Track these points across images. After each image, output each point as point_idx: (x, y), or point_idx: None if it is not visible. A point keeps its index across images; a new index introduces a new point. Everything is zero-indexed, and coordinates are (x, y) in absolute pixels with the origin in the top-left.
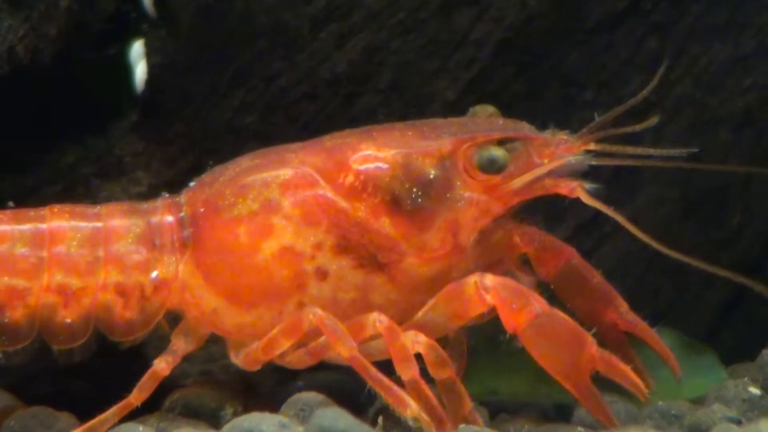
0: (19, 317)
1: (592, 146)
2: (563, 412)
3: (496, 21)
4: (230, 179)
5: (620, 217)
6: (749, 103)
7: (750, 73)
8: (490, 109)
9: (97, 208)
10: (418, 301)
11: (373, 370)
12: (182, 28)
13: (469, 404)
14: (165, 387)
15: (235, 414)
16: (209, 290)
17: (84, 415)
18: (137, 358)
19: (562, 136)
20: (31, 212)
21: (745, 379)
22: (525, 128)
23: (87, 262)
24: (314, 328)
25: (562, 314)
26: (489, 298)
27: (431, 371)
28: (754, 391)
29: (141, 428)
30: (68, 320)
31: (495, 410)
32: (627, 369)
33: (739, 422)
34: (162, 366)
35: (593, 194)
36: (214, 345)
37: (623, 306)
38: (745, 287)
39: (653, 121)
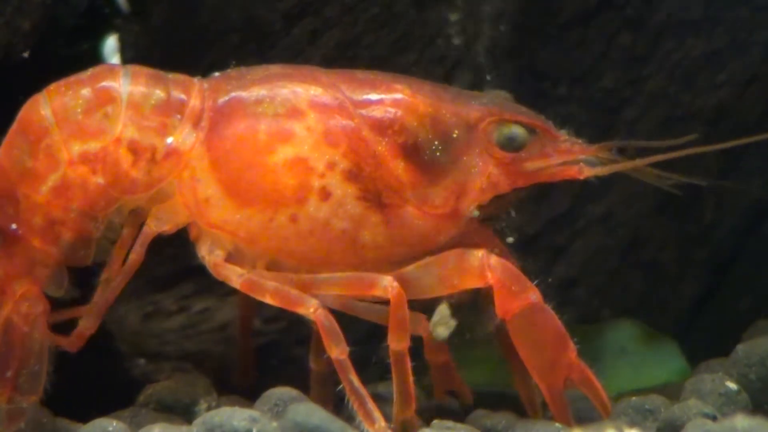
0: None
1: (604, 154)
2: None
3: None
4: (261, 78)
5: (637, 162)
6: (723, 98)
7: (723, 68)
8: (504, 93)
9: (125, 68)
10: (399, 253)
11: (354, 378)
12: (155, 24)
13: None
14: (139, 382)
15: (209, 409)
16: (212, 176)
17: (56, 410)
18: (108, 353)
19: (578, 139)
20: None
21: (720, 374)
22: (548, 123)
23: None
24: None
25: (553, 312)
26: (490, 277)
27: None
28: (731, 386)
29: (115, 423)
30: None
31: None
32: (599, 386)
33: (714, 418)
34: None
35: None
36: (187, 341)
37: None
38: (718, 281)
39: (692, 137)
